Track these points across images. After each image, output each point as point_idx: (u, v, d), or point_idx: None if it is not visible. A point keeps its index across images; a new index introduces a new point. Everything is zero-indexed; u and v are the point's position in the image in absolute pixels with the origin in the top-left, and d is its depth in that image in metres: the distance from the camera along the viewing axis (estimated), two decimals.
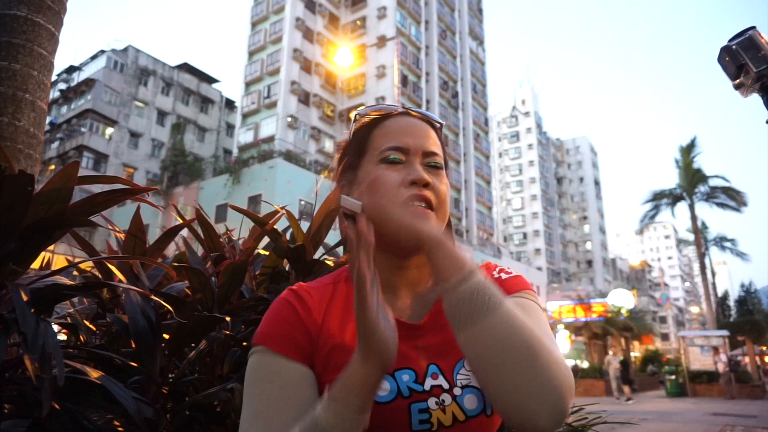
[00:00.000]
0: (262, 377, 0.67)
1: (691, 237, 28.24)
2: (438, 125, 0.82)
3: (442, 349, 0.71)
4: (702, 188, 25.18)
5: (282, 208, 1.49)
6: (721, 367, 16.07)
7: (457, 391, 0.68)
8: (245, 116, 31.39)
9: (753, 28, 1.11)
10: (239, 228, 1.84)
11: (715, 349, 16.66)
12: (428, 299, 0.75)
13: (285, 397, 0.65)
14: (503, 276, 0.77)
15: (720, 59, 1.15)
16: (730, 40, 1.13)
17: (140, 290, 1.03)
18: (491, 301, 0.58)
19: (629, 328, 26.45)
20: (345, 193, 0.79)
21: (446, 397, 0.67)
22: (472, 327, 0.57)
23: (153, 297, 1.05)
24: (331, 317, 0.72)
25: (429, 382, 0.68)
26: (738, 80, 1.13)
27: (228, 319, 1.12)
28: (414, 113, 0.80)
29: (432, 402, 0.66)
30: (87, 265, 1.48)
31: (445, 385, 0.68)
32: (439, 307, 0.73)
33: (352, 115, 0.83)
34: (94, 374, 0.86)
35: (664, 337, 63.23)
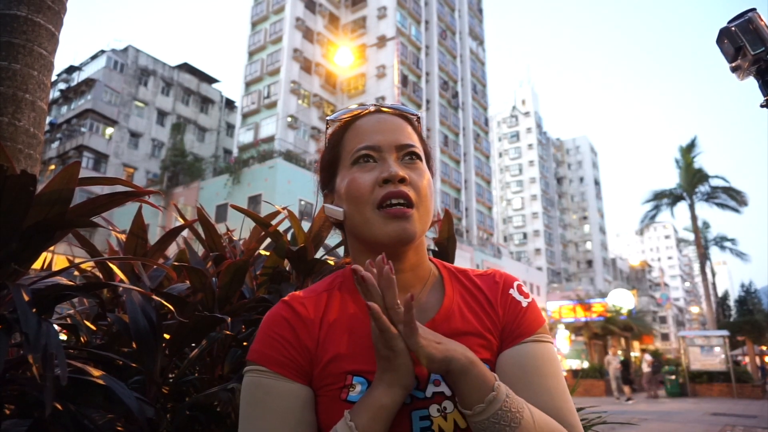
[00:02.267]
0: (260, 400, 0.66)
1: (691, 237, 28.24)
2: (414, 117, 0.79)
3: None
4: (702, 188, 25.17)
5: (284, 208, 1.49)
6: (645, 367, 16.24)
7: None
8: (245, 116, 31.37)
9: (753, 10, 1.09)
10: (240, 228, 1.84)
11: (643, 351, 16.85)
12: (428, 307, 0.74)
13: (285, 422, 0.65)
14: (523, 302, 0.75)
15: (718, 41, 1.14)
16: (730, 22, 1.12)
17: (141, 290, 1.03)
18: (516, 417, 0.60)
19: (629, 328, 26.44)
20: (329, 201, 0.79)
21: (448, 405, 0.66)
22: None
23: (154, 297, 1.05)
24: (328, 327, 0.71)
25: (431, 389, 0.67)
26: (735, 63, 1.12)
27: (228, 319, 1.11)
28: (386, 109, 0.77)
29: (433, 409, 0.66)
30: (88, 266, 1.48)
31: (448, 392, 0.67)
32: (441, 316, 0.72)
33: (327, 119, 0.81)
34: (96, 374, 0.86)
35: (664, 337, 63.21)
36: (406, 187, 0.70)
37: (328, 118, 0.80)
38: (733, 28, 1.09)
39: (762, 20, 1.08)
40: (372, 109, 0.78)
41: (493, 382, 0.61)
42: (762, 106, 1.09)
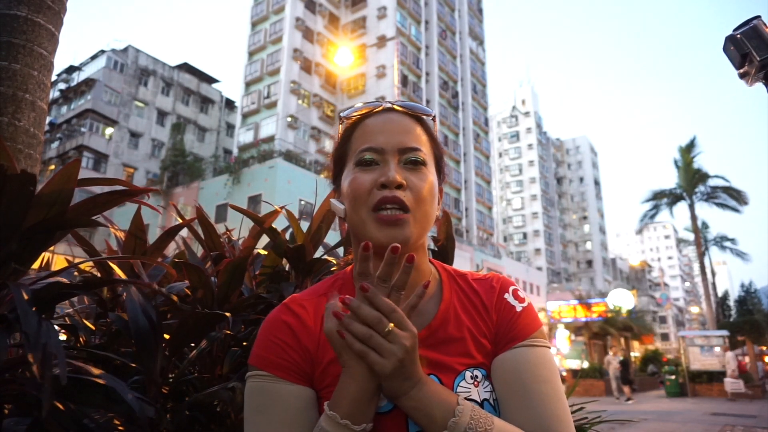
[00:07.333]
0: (264, 405, 0.66)
1: (691, 237, 28.22)
2: (426, 116, 0.79)
3: (442, 364, 0.70)
4: (702, 188, 25.15)
5: (281, 208, 1.49)
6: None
7: None
8: (245, 116, 31.37)
9: (758, 17, 1.12)
10: (239, 228, 1.84)
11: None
12: (426, 310, 0.74)
13: (291, 423, 0.65)
14: (517, 306, 0.75)
15: (725, 48, 1.17)
16: (735, 30, 1.15)
17: (145, 282, 1.03)
18: None
19: (629, 328, 26.44)
20: (335, 196, 0.81)
21: None
22: None
23: (158, 290, 1.05)
24: None
25: None
26: (743, 69, 1.14)
27: (228, 314, 1.11)
28: (398, 108, 0.77)
29: None
30: (87, 266, 1.48)
31: None
32: (438, 320, 0.73)
33: (340, 115, 0.82)
34: (96, 373, 0.86)
35: (664, 337, 63.20)
36: (402, 193, 0.70)
37: (341, 114, 0.81)
38: (738, 36, 1.12)
39: (767, 27, 1.10)
40: (384, 106, 0.78)
41: (451, 404, 0.62)
42: None
